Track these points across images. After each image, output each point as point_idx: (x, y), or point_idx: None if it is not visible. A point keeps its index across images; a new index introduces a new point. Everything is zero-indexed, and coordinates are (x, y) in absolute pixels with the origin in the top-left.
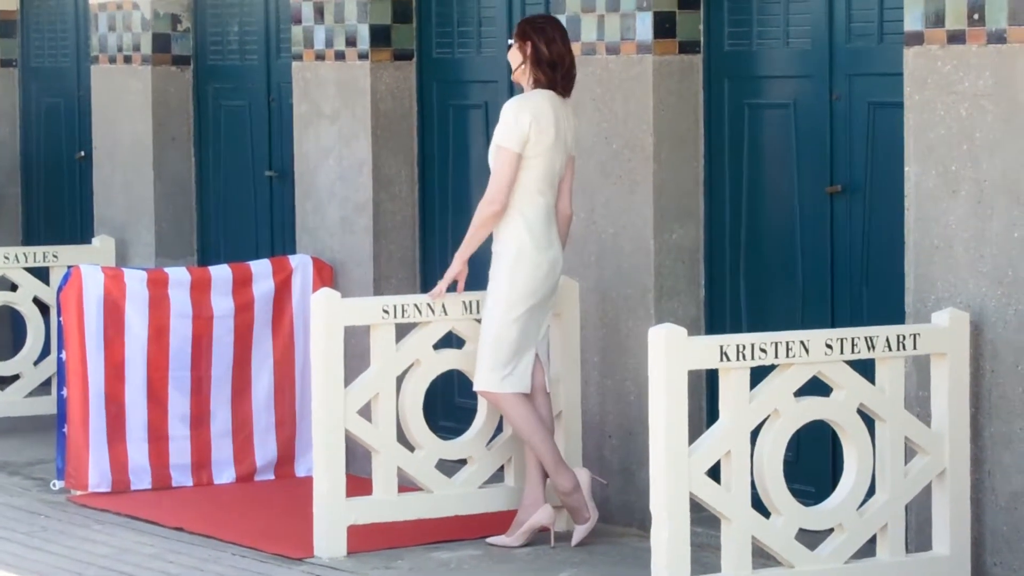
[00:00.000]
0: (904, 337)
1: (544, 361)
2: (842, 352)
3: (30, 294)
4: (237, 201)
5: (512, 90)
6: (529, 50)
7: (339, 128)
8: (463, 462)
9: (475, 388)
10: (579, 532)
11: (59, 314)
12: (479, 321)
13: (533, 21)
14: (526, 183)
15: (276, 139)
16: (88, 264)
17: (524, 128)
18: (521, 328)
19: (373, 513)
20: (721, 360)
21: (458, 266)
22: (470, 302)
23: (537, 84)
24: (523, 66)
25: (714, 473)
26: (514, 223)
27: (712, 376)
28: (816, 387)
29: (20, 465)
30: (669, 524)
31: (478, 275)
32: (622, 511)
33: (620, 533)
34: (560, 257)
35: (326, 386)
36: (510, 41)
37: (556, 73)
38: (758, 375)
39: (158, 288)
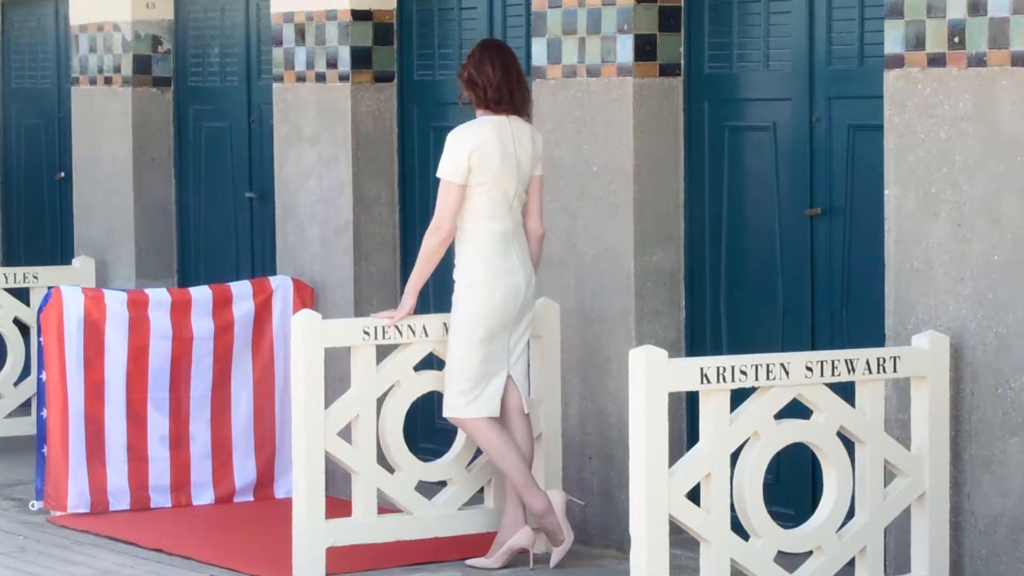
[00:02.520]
0: (884, 360)
1: (521, 383)
2: (822, 375)
3: (10, 315)
4: (217, 222)
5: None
6: (465, 75)
7: (319, 150)
8: (443, 484)
9: (444, 414)
10: (556, 554)
11: (39, 335)
12: None
13: (480, 46)
14: (475, 210)
15: (256, 160)
16: (68, 285)
17: (463, 159)
18: (484, 353)
19: (352, 535)
20: (701, 382)
21: (411, 300)
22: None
23: (474, 106)
24: (468, 90)
25: (694, 495)
26: (467, 250)
27: (692, 398)
28: (796, 410)
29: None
30: (648, 546)
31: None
32: (601, 533)
33: (599, 555)
34: (524, 281)
35: (306, 408)
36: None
37: (486, 92)
38: (738, 397)
39: (138, 309)
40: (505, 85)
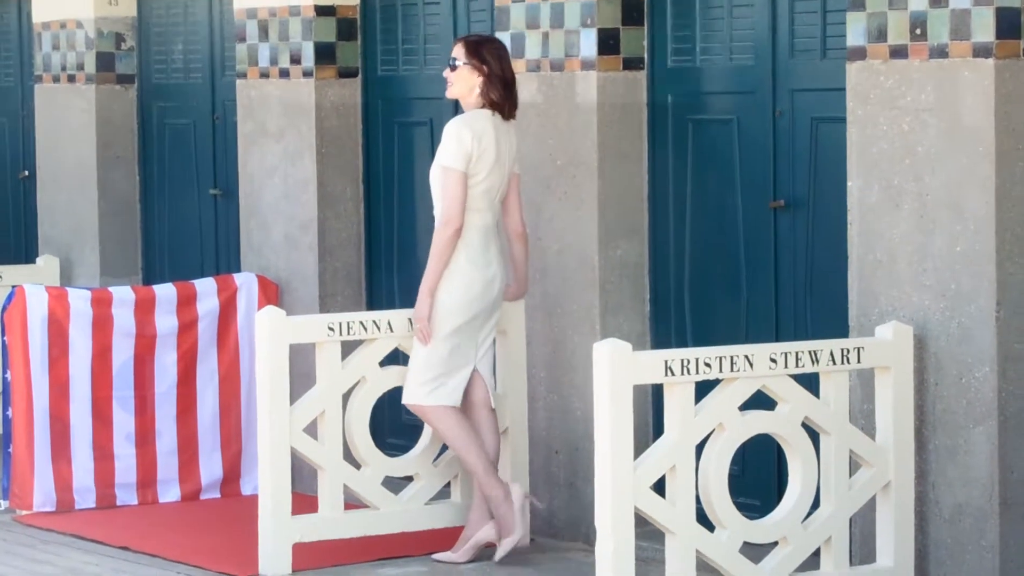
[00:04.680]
0: (848, 351)
1: (487, 378)
2: (786, 366)
3: None
4: (182, 220)
5: (458, 107)
6: (486, 70)
7: (284, 146)
8: (409, 479)
9: (404, 401)
10: (504, 546)
11: (3, 334)
12: None
13: (488, 42)
14: (466, 202)
15: (221, 157)
16: (32, 284)
17: (467, 147)
18: (453, 345)
19: (319, 530)
20: (666, 375)
21: (427, 299)
22: None
23: (488, 104)
24: (480, 85)
25: (659, 487)
26: None
27: (657, 391)
28: (761, 401)
29: None
30: (614, 538)
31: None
32: (568, 526)
33: (566, 548)
34: (499, 275)
35: (271, 404)
36: (455, 60)
37: (509, 93)
38: (703, 389)
39: (102, 307)
40: (511, 85)
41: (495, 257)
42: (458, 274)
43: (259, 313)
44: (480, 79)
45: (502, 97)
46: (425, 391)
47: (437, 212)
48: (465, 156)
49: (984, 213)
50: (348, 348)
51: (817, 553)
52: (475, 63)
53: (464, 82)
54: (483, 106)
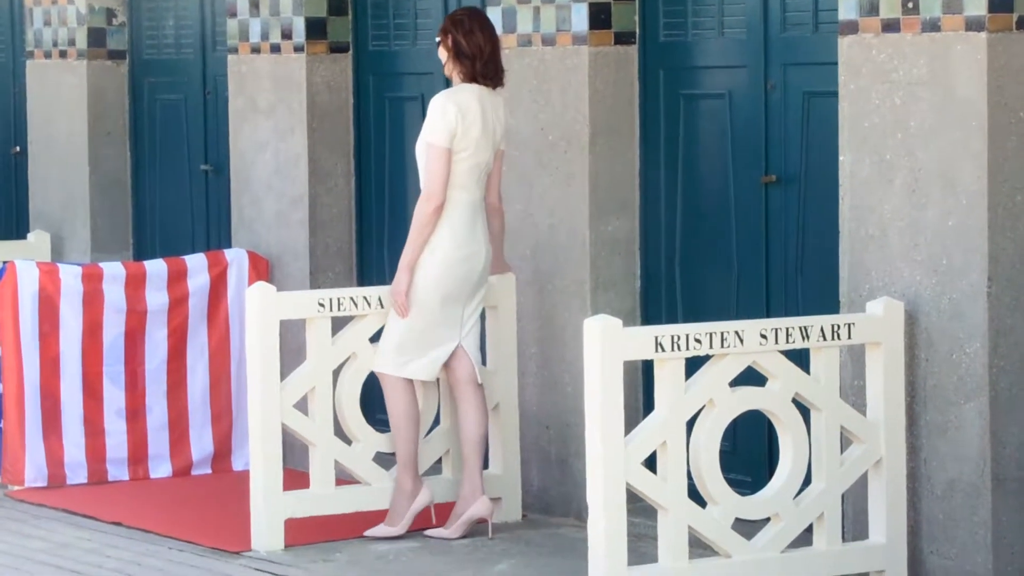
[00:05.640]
0: (839, 326)
1: (473, 352)
2: (777, 342)
3: None
4: (173, 195)
5: (448, 83)
6: (450, 43)
7: (275, 122)
8: None
9: (374, 367)
10: (377, 530)
11: None
12: None
13: (454, 15)
14: (451, 178)
15: (212, 133)
16: (23, 259)
17: (451, 122)
18: (430, 322)
19: (310, 506)
20: (656, 351)
21: (406, 274)
22: None
23: (461, 77)
24: (448, 61)
25: (650, 463)
26: None
27: (648, 367)
28: (751, 377)
29: None
30: (606, 515)
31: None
32: (559, 502)
33: (557, 524)
34: (483, 253)
35: (262, 380)
36: (437, 38)
37: (475, 64)
38: (693, 365)
39: (92, 283)
40: (492, 58)
41: (480, 234)
42: (439, 251)
43: (250, 289)
44: (446, 55)
45: (468, 69)
46: (401, 361)
47: (423, 186)
48: (449, 132)
49: (976, 187)
50: (339, 324)
51: (809, 529)
52: (442, 37)
53: (441, 58)
54: (461, 79)
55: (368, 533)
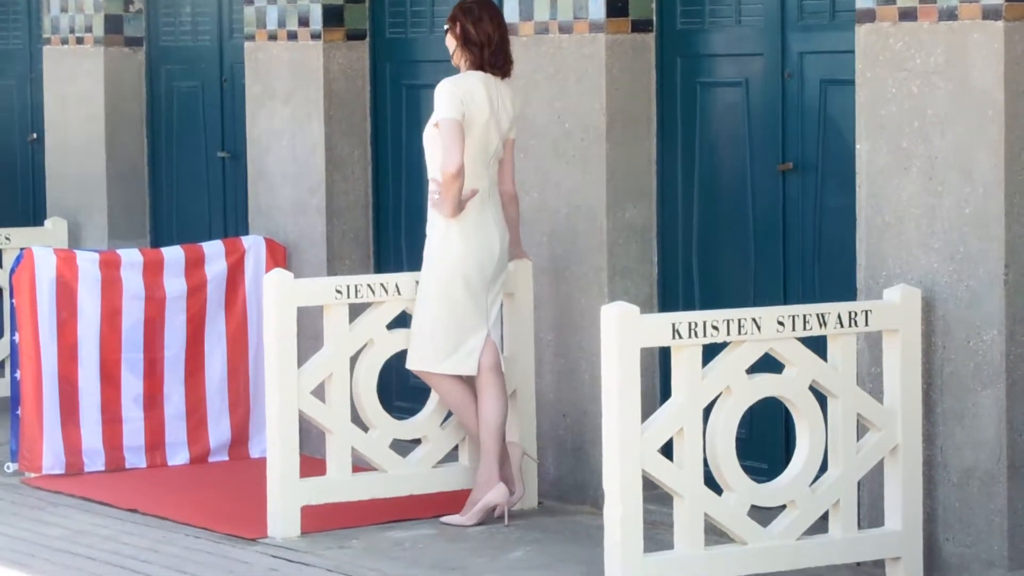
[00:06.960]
0: (856, 314)
1: (498, 341)
2: (794, 329)
3: None
4: (190, 182)
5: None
6: (458, 31)
7: (292, 109)
8: (417, 442)
9: (409, 366)
10: (450, 519)
11: (11, 296)
12: None
13: (463, 3)
14: None
15: (229, 120)
16: (40, 246)
17: (457, 101)
18: (459, 309)
19: (327, 493)
20: (673, 338)
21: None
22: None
23: (468, 65)
24: (456, 48)
25: (667, 451)
26: None
27: (665, 354)
28: (768, 364)
29: None
30: (622, 502)
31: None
32: (575, 489)
33: (573, 511)
34: (496, 239)
35: (279, 367)
36: (445, 26)
37: (483, 52)
38: (710, 353)
39: (110, 270)
40: (501, 47)
41: (491, 221)
42: (452, 240)
43: (267, 276)
44: (454, 41)
45: (475, 56)
46: (439, 357)
47: (432, 174)
48: (457, 107)
49: (993, 176)
50: (356, 311)
51: (825, 516)
52: (450, 25)
53: (448, 46)
54: (469, 67)
55: (442, 520)
